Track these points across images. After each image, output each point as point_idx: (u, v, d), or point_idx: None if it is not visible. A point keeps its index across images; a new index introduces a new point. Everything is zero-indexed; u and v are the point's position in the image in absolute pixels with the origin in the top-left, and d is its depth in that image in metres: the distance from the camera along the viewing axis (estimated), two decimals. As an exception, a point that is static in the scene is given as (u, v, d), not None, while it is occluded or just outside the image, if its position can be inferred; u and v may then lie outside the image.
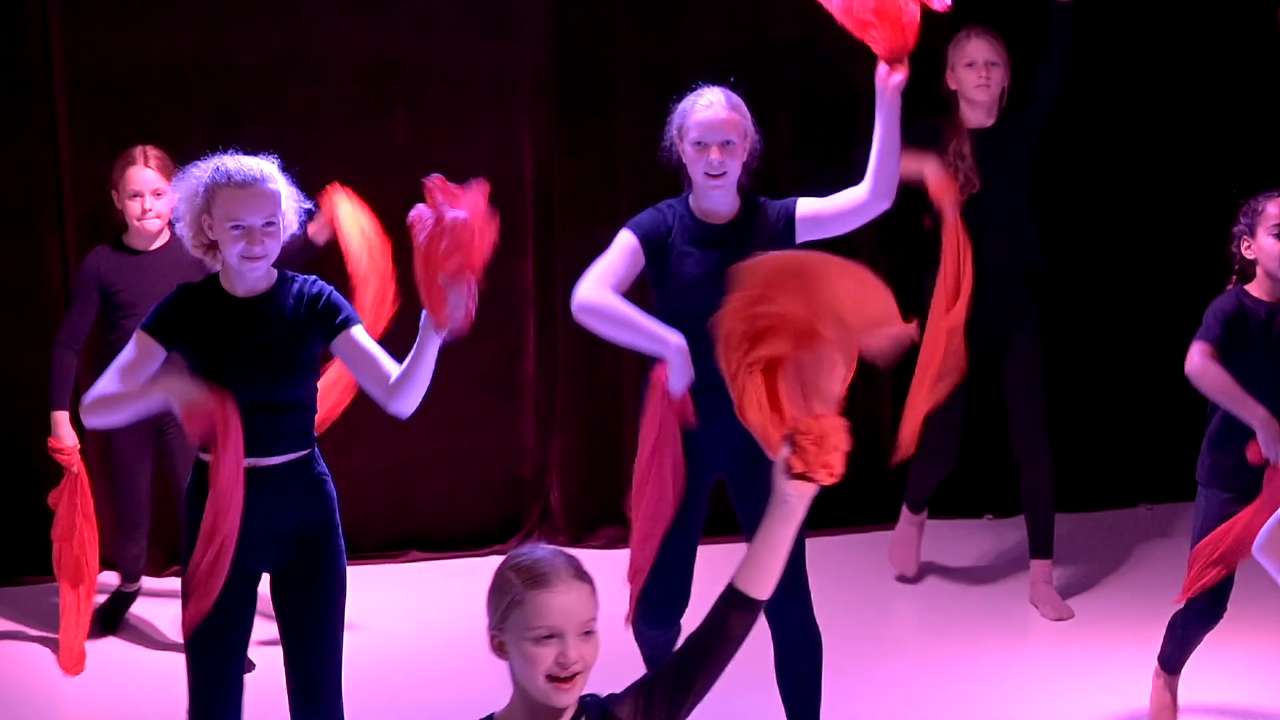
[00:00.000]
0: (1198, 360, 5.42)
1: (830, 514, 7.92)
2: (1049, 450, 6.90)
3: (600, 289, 5.23)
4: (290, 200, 4.77)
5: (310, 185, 7.23)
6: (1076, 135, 7.83)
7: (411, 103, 7.47)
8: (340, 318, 4.74)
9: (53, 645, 6.56)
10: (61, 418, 6.26)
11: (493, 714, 3.36)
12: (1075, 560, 7.50)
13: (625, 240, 5.29)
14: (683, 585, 5.39)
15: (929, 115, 6.83)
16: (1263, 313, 5.46)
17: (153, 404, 4.69)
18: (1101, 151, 8.02)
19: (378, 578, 7.30)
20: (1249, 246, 5.48)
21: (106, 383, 4.68)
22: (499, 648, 3.33)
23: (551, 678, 3.27)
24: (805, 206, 5.33)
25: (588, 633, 3.31)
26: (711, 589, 5.41)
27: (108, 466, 6.59)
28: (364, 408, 7.57)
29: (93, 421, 4.74)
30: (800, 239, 5.29)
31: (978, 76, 6.72)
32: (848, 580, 7.27)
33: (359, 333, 4.74)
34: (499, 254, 7.61)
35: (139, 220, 6.33)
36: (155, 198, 6.31)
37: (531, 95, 7.61)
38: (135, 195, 6.32)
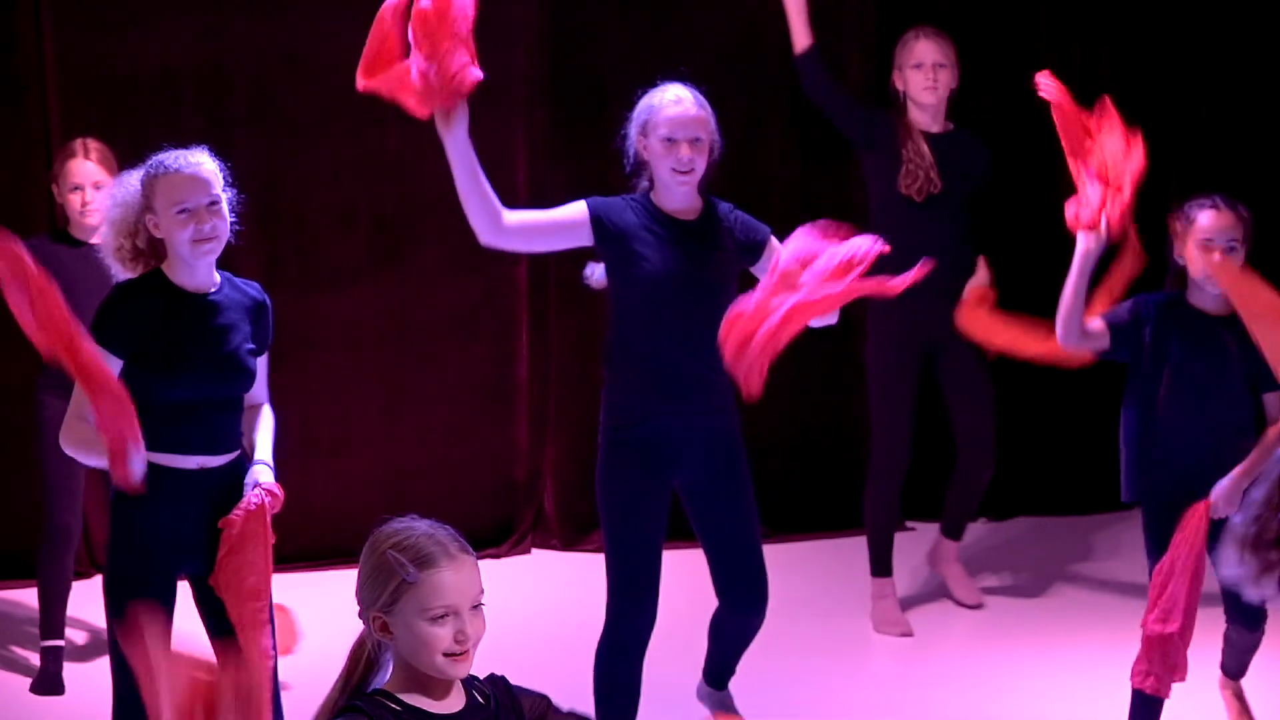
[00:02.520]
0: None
1: (823, 519, 7.95)
2: (994, 456, 6.88)
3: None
4: (226, 193, 4.74)
5: (304, 190, 7.32)
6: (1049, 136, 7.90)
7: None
8: (268, 342, 4.85)
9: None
10: None
11: (381, 688, 3.33)
12: (1072, 562, 7.52)
13: (577, 208, 5.24)
14: (652, 589, 5.31)
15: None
16: (1192, 321, 5.36)
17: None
18: (1041, 146, 8.07)
19: (371, 582, 7.31)
20: (1181, 252, 5.42)
21: (82, 404, 4.58)
22: (382, 628, 3.30)
23: (448, 654, 3.26)
24: (773, 254, 5.23)
25: (477, 606, 3.30)
26: (683, 592, 5.45)
27: (41, 460, 6.32)
28: (358, 412, 7.62)
29: (68, 450, 4.67)
30: (754, 269, 5.30)
31: (925, 79, 6.66)
32: (841, 583, 7.28)
33: (263, 364, 4.87)
34: (492, 259, 7.70)
35: (79, 214, 6.25)
36: (96, 191, 6.21)
37: (525, 101, 7.62)
38: (76, 188, 6.23)
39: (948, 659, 6.52)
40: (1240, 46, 8.14)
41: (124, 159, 6.42)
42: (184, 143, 4.86)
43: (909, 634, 6.77)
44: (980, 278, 6.74)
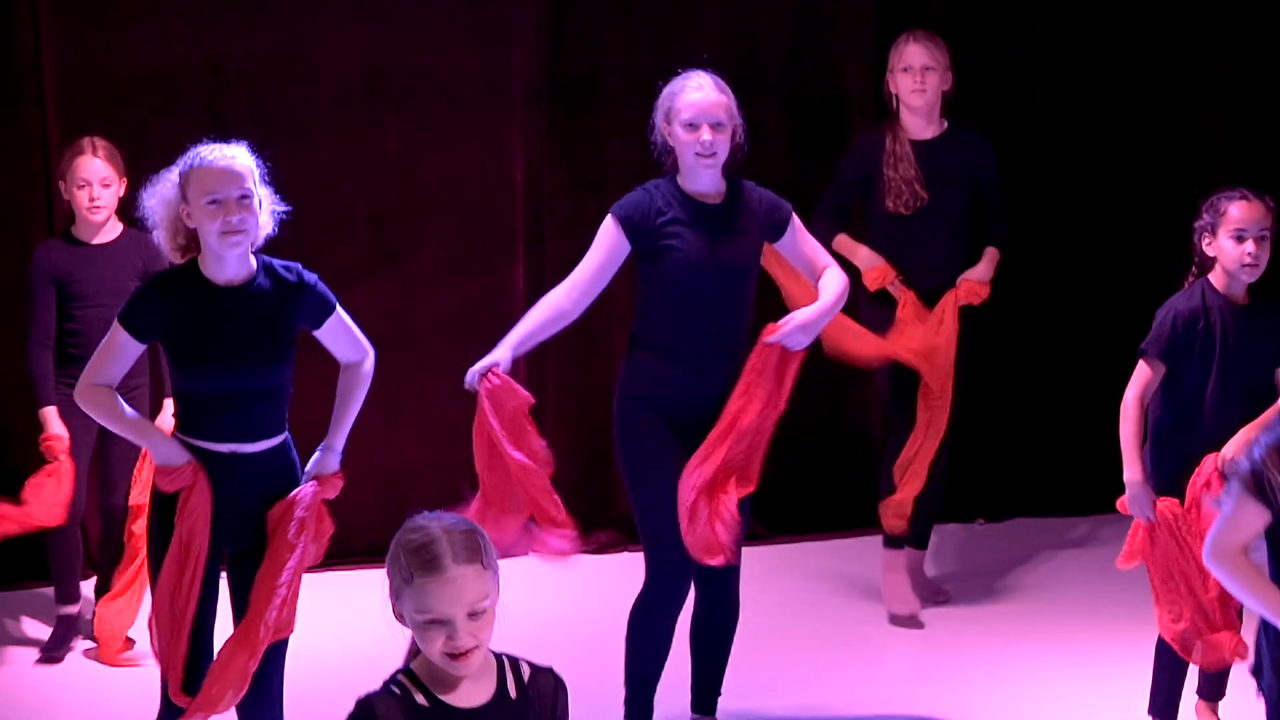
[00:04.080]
0: (1131, 395, 5.42)
1: (823, 519, 7.94)
2: (946, 459, 6.86)
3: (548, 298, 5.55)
4: (263, 186, 4.82)
5: (301, 191, 7.31)
6: (1031, 144, 7.90)
7: (402, 109, 7.48)
8: (328, 306, 4.89)
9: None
10: (51, 413, 6.28)
11: (408, 665, 3.38)
12: (1070, 563, 7.52)
13: (607, 228, 5.40)
14: (684, 558, 5.37)
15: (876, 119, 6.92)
16: (1225, 310, 5.43)
17: (136, 441, 4.92)
18: (1065, 144, 8.07)
19: (368, 582, 7.27)
20: (1210, 244, 5.46)
21: (99, 373, 4.76)
22: (399, 617, 3.35)
23: (447, 654, 3.30)
24: (795, 230, 5.48)
25: (477, 613, 3.30)
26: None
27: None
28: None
29: (84, 407, 4.86)
30: (777, 245, 5.48)
31: (913, 82, 6.68)
32: (841, 584, 7.28)
33: (341, 314, 4.94)
34: (490, 260, 7.71)
35: (86, 210, 6.32)
36: (103, 188, 6.31)
37: (523, 102, 7.62)
38: (83, 185, 6.31)
39: (946, 659, 6.51)
40: (1238, 47, 8.14)
41: (123, 159, 6.46)
42: (181, 144, 4.87)
43: (917, 614, 6.80)
44: (978, 271, 6.73)
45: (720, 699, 5.71)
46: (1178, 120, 8.15)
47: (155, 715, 4.86)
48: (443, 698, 3.33)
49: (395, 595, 3.33)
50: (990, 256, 6.76)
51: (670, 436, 5.37)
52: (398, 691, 3.34)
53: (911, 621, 6.79)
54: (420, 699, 3.33)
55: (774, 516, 7.86)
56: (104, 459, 6.38)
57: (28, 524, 6.23)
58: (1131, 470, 5.37)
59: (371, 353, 5.06)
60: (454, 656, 3.29)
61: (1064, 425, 8.13)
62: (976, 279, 6.71)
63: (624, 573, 7.32)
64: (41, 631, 6.71)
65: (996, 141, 7.02)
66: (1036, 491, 8.16)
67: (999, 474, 7.95)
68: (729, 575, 5.51)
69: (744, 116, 5.43)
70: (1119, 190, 8.13)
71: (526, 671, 3.42)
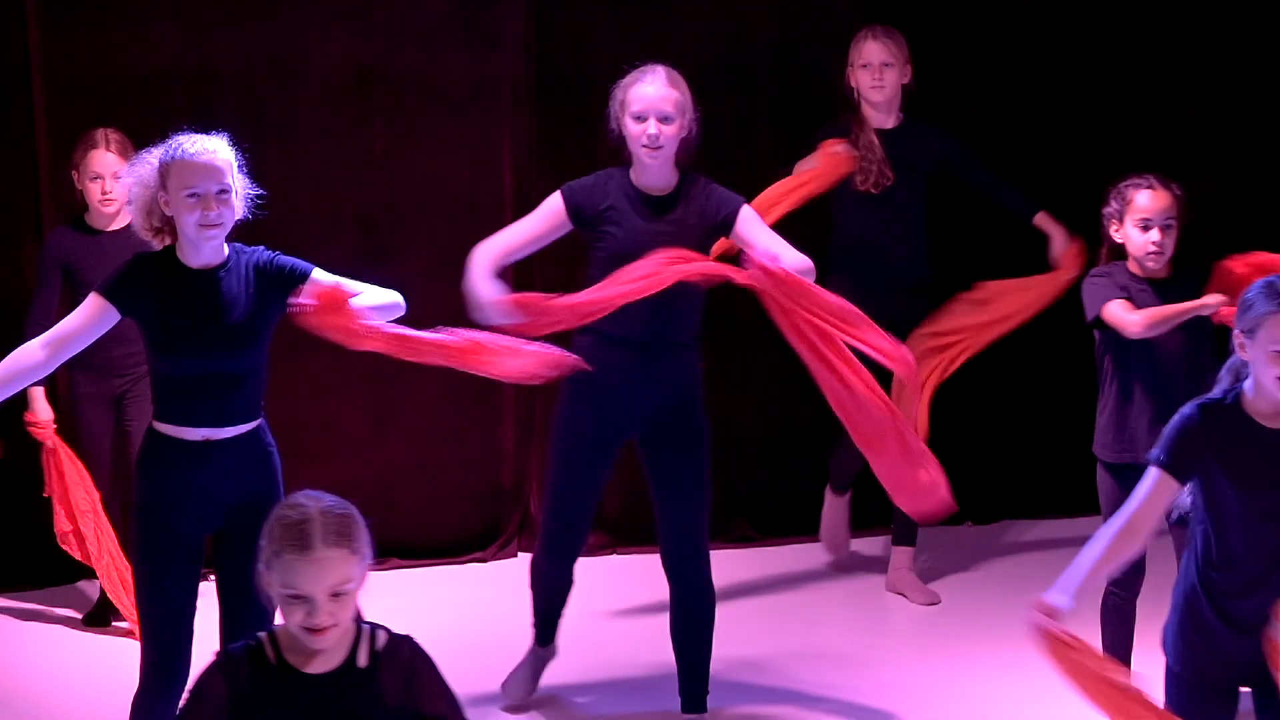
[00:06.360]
0: (1135, 316, 5.40)
1: (812, 522, 7.95)
2: None
3: (481, 253, 5.56)
4: (240, 178, 4.87)
5: (290, 192, 7.32)
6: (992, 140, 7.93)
7: (391, 111, 7.48)
8: (294, 272, 4.90)
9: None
10: (37, 393, 6.43)
11: (275, 631, 3.50)
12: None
13: (551, 202, 5.52)
14: (582, 523, 5.62)
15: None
16: (1144, 292, 5.51)
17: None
18: (1056, 144, 8.09)
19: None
20: (1117, 230, 5.56)
21: (55, 331, 4.83)
22: (267, 586, 3.47)
23: (305, 628, 3.42)
24: (747, 223, 5.46)
25: (339, 594, 3.42)
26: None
27: (69, 440, 6.58)
28: (345, 417, 7.61)
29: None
30: (734, 239, 5.50)
31: (871, 78, 6.86)
32: (831, 586, 7.29)
33: (320, 275, 4.92)
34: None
35: (99, 202, 6.50)
36: (114, 180, 6.46)
37: (511, 104, 7.63)
38: (96, 178, 6.49)
39: (936, 661, 6.53)
40: (1225, 39, 8.16)
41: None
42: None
43: (938, 599, 7.01)
44: (1060, 240, 6.78)
45: (710, 701, 5.71)
46: (1169, 120, 8.16)
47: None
48: (291, 660, 3.46)
49: (266, 565, 3.46)
50: (1049, 221, 6.79)
51: (601, 431, 5.50)
52: (254, 645, 3.49)
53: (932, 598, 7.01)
54: (270, 657, 3.47)
55: (763, 519, 7.87)
56: (129, 443, 6.42)
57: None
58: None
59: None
60: (311, 631, 3.40)
61: (1051, 427, 8.15)
62: (1066, 245, 6.74)
63: (614, 575, 7.36)
64: (52, 631, 6.78)
65: (985, 140, 7.07)
66: (1023, 494, 8.18)
67: (986, 477, 7.96)
68: (698, 563, 5.57)
69: (699, 109, 5.55)
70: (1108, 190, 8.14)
71: (383, 640, 3.52)
